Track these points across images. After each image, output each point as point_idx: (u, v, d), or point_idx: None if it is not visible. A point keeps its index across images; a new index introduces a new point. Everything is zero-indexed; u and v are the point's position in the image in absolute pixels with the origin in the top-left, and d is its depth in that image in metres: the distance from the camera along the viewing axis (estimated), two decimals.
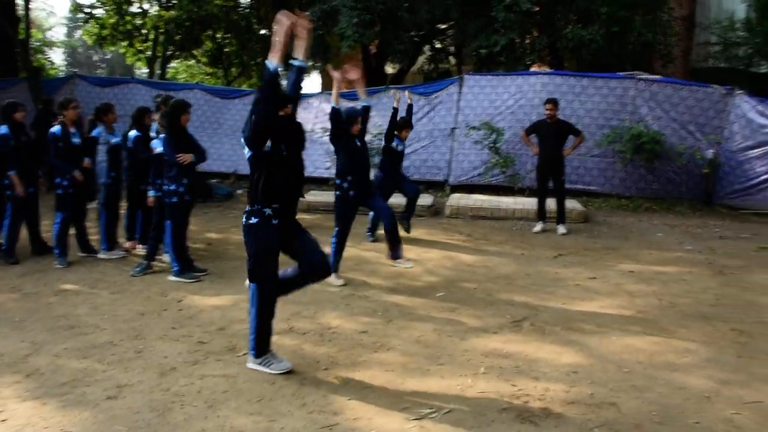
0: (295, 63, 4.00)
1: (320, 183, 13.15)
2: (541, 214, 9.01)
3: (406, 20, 14.37)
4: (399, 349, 4.54)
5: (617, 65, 13.06)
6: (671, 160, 11.30)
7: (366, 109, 6.73)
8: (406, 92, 8.98)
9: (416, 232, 8.80)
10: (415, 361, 4.31)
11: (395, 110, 8.01)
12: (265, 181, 3.99)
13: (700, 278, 6.58)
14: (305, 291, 5.86)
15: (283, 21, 3.72)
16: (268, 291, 4.03)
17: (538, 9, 13.14)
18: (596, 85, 11.89)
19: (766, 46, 15.42)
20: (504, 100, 12.33)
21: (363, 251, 7.65)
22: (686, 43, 17.76)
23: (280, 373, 4.04)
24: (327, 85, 23.48)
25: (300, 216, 9.43)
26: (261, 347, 4.10)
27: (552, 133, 8.79)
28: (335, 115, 6.35)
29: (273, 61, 3.74)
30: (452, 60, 17.48)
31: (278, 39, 3.74)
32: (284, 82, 4.16)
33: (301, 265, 4.21)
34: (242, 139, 4.07)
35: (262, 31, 21.64)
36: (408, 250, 7.68)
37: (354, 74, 6.19)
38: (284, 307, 5.39)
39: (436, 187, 12.69)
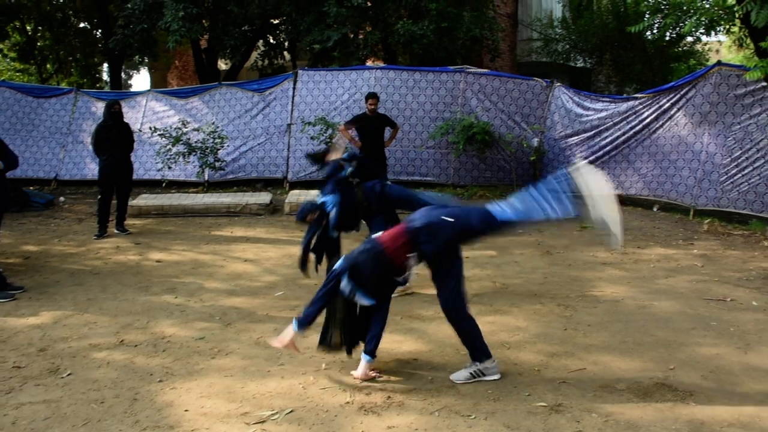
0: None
1: (152, 186, 12.52)
2: None
3: (236, 14, 14.04)
4: (238, 353, 4.44)
5: (448, 59, 13.68)
6: (501, 149, 12.06)
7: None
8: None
9: (255, 231, 8.67)
10: (255, 364, 4.23)
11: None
12: None
13: (531, 259, 7.07)
14: (136, 300, 5.61)
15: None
16: None
17: (369, 4, 13.40)
18: (428, 79, 12.36)
19: (581, 42, 16.88)
20: (339, 95, 12.46)
21: (199, 254, 7.38)
22: (511, 39, 19.05)
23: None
24: (156, 83, 22.43)
25: (131, 221, 8.99)
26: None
27: (374, 126, 9.06)
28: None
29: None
30: (287, 55, 17.35)
31: None
32: None
33: None
34: None
35: (81, 24, 20.16)
36: (246, 250, 7.54)
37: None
38: (114, 320, 5.10)
39: (275, 184, 12.57)
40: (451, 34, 13.72)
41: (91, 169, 12.60)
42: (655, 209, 10.36)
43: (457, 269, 3.92)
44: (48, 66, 20.96)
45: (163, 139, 11.88)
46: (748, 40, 8.79)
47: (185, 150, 11.82)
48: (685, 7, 12.97)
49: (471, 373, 3.94)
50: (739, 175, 9.22)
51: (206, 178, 12.39)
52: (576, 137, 11.56)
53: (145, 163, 12.66)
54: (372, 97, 9.03)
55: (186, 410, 3.60)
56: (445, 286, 3.94)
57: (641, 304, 5.49)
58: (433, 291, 5.78)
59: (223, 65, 18.99)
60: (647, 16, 14.70)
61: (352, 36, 13.81)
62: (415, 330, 4.89)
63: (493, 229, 3.95)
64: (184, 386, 3.90)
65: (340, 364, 4.21)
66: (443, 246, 3.81)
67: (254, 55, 16.88)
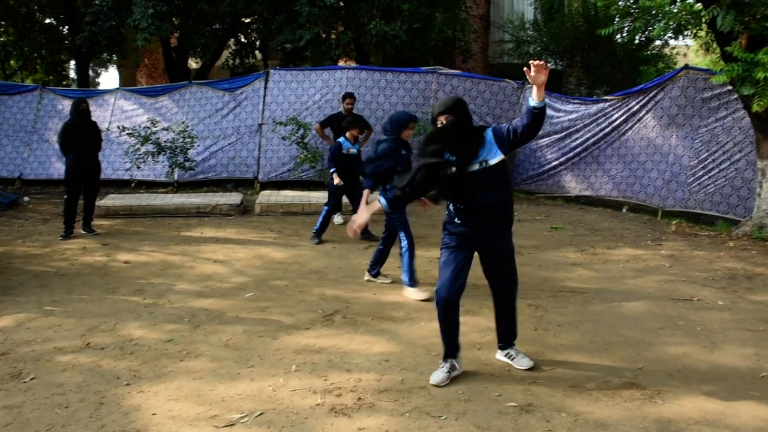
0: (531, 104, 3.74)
1: (120, 186, 12.33)
2: (338, 205, 9.24)
3: (207, 12, 13.90)
4: (207, 355, 4.38)
5: (420, 60, 13.72)
6: None
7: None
8: None
9: (225, 232, 8.58)
10: (224, 366, 4.18)
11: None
12: None
13: None
14: (103, 302, 5.51)
15: None
16: None
17: (342, 4, 13.36)
18: (400, 80, 12.37)
19: (552, 44, 17.03)
20: (311, 95, 12.40)
21: (168, 255, 7.28)
22: (483, 41, 19.17)
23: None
24: (125, 82, 22.10)
25: (98, 222, 8.84)
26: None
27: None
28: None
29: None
30: (258, 55, 17.22)
31: None
32: None
33: None
34: None
35: (47, 20, 19.75)
36: (216, 251, 7.46)
37: None
38: (80, 322, 5.00)
39: (246, 184, 12.46)
40: (423, 35, 13.75)
41: (57, 168, 12.36)
42: (624, 210, 10.49)
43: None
44: (12, 62, 20.50)
45: (132, 138, 11.70)
46: (715, 45, 8.93)
47: (154, 149, 11.66)
48: (653, 11, 13.12)
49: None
50: (706, 177, 9.39)
51: (176, 178, 12.23)
52: (547, 138, 11.66)
53: (113, 163, 12.46)
54: (349, 96, 9.10)
55: (154, 414, 3.54)
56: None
57: (610, 304, 5.55)
58: (402, 295, 5.82)
59: (193, 64, 18.79)
60: (617, 19, 14.85)
61: (324, 36, 13.76)
62: (386, 331, 4.87)
63: None
64: (152, 389, 3.83)
65: (310, 365, 4.18)
66: None
67: (225, 53, 16.72)
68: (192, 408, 3.61)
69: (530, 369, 4.09)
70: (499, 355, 4.28)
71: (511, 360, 4.18)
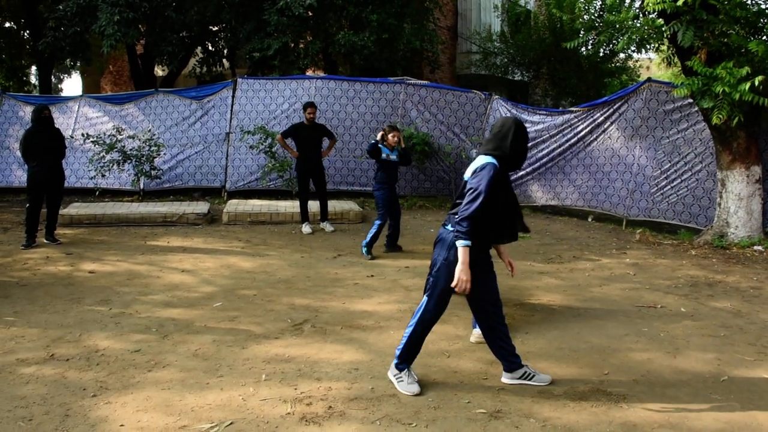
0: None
1: (84, 194, 12.12)
2: (305, 215, 9.31)
3: (174, 20, 13.80)
4: (176, 365, 4.33)
5: (388, 70, 13.80)
6: (440, 160, 12.22)
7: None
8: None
9: (192, 241, 8.50)
10: (193, 376, 4.13)
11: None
12: None
13: None
14: (68, 312, 5.41)
15: None
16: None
17: (310, 14, 13.38)
18: (368, 90, 12.42)
19: (518, 56, 17.29)
20: (279, 104, 12.37)
21: (135, 265, 7.18)
22: (451, 51, 19.38)
23: (412, 392, 3.90)
24: (88, 88, 21.77)
25: (61, 231, 8.68)
26: (405, 357, 4.01)
27: (311, 135, 9.09)
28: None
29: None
30: (225, 63, 17.14)
31: None
32: None
33: None
34: None
35: (7, 24, 19.38)
36: (183, 261, 7.39)
37: None
38: (44, 333, 4.90)
39: (213, 193, 12.37)
40: (391, 46, 13.85)
41: (18, 176, 12.11)
42: (589, 219, 10.68)
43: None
44: None
45: (97, 146, 11.54)
46: (676, 59, 9.17)
47: (120, 158, 11.51)
48: (618, 26, 13.47)
49: None
50: (668, 186, 9.61)
51: (142, 186, 12.08)
52: None
53: (77, 171, 12.26)
54: (310, 106, 9.05)
55: (122, 425, 3.48)
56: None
57: (577, 312, 5.64)
58: (371, 303, 5.84)
59: (160, 71, 18.62)
60: (582, 33, 15.21)
61: (292, 45, 13.77)
62: (355, 340, 4.88)
63: None
64: (120, 400, 3.77)
65: (280, 375, 4.16)
66: None
67: (192, 61, 16.62)
68: (161, 418, 3.56)
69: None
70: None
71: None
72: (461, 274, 3.69)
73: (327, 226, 9.34)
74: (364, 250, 7.67)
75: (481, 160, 3.83)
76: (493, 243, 4.11)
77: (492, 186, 3.72)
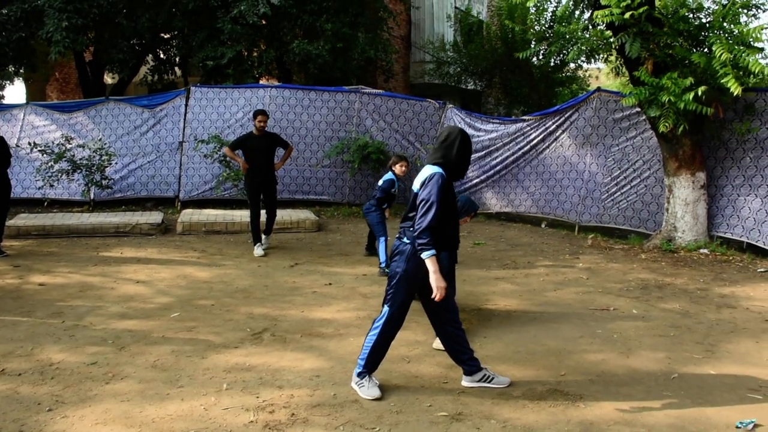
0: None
1: (31, 205, 11.78)
2: (256, 235, 8.48)
3: (124, 27, 13.56)
4: (134, 376, 4.25)
5: (343, 79, 13.83)
6: None
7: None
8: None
9: (146, 252, 8.35)
10: (152, 387, 4.07)
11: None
12: None
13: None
14: (18, 326, 5.26)
15: None
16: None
17: (264, 23, 13.32)
18: (323, 98, 12.43)
19: (471, 66, 17.54)
20: (233, 112, 12.28)
21: (87, 276, 7.02)
22: (405, 61, 19.54)
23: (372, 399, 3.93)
24: (33, 96, 21.14)
25: (8, 242, 8.43)
26: (370, 366, 4.03)
27: (261, 145, 8.36)
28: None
29: None
30: (178, 71, 16.90)
31: None
32: None
33: None
34: None
35: None
36: (137, 271, 7.26)
37: None
38: None
39: (166, 203, 12.18)
40: (346, 55, 13.90)
41: None
42: (543, 226, 10.90)
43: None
44: None
45: (44, 155, 11.25)
46: (624, 69, 9.48)
47: (69, 167, 11.24)
48: (568, 37, 13.81)
49: None
50: (618, 193, 9.89)
51: (92, 196, 11.80)
52: None
53: (23, 181, 11.91)
54: (261, 114, 8.33)
55: None
56: None
57: (533, 316, 5.75)
58: (330, 311, 5.84)
59: (109, 79, 18.23)
60: (534, 43, 15.55)
61: (246, 54, 13.69)
62: (315, 347, 4.88)
63: None
64: (77, 414, 3.69)
65: (241, 383, 4.13)
66: None
67: (143, 69, 16.33)
68: (121, 430, 3.50)
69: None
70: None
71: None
72: (437, 282, 3.76)
73: (264, 242, 8.55)
74: (383, 264, 7.27)
75: (429, 170, 3.91)
76: (450, 250, 4.18)
77: (443, 195, 3.80)
